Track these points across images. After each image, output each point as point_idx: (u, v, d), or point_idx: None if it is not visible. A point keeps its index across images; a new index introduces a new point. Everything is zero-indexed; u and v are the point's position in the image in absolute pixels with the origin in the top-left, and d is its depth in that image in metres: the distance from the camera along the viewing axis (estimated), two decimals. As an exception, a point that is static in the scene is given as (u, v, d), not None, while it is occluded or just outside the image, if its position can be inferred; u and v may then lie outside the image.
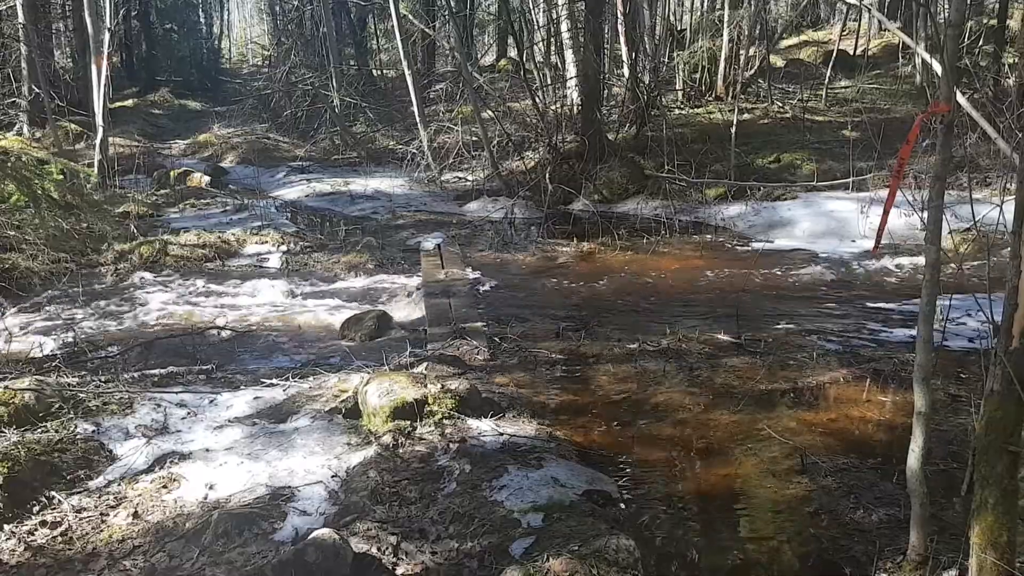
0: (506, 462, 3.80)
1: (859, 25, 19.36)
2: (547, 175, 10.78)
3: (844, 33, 19.35)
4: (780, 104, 14.95)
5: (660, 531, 3.41)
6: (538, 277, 8.04)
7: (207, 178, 13.63)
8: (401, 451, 3.98)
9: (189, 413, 4.55)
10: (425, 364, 5.13)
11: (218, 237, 9.33)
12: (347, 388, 4.68)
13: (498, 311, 6.86)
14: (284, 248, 9.22)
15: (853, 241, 9.23)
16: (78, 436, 4.21)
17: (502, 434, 4.09)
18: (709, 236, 9.77)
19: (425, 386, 4.35)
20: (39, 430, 4.21)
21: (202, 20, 30.84)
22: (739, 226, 10.08)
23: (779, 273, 8.03)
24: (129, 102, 23.72)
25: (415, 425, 4.19)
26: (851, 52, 18.66)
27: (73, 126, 17.69)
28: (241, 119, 19.44)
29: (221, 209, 11.32)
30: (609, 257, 8.82)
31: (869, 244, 9.11)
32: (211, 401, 4.72)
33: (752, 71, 15.55)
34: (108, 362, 5.80)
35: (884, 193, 10.14)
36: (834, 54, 16.73)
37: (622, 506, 3.57)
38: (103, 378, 5.17)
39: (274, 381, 4.92)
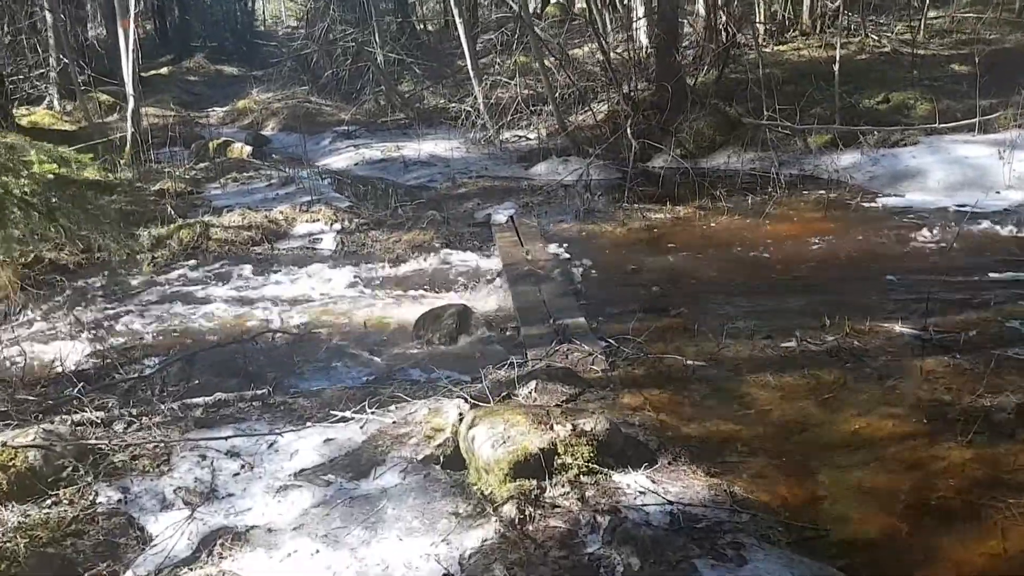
0: (689, 552, 2.68)
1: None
2: (629, 129, 9.46)
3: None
4: (876, 38, 13.32)
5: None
6: (633, 253, 6.82)
7: (248, 148, 12.58)
8: (531, 528, 2.89)
9: (243, 467, 3.51)
10: (534, 383, 4.01)
11: (265, 216, 8.29)
12: (442, 425, 3.59)
13: (599, 300, 5.69)
14: (338, 226, 8.14)
15: (998, 192, 7.83)
16: (99, 510, 3.21)
17: (669, 502, 2.96)
18: (822, 192, 8.42)
19: (551, 427, 3.23)
20: (48, 503, 3.21)
21: (234, -18, 29.69)
22: (857, 178, 8.70)
23: (926, 236, 6.70)
24: (164, 70, 22.83)
25: (543, 485, 3.08)
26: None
27: (105, 97, 16.79)
28: (280, 82, 18.33)
29: (266, 182, 10.26)
30: (712, 223, 7.56)
31: (1017, 196, 7.73)
32: (270, 445, 3.67)
33: (838, 2, 13.89)
34: (143, 382, 4.81)
35: (1017, 134, 8.72)
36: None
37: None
38: (134, 410, 4.17)
39: (347, 414, 3.84)
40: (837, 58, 10.28)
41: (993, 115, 9.24)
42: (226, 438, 3.67)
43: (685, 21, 13.21)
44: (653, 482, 3.11)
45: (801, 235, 6.92)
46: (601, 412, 3.53)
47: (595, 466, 3.14)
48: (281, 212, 8.37)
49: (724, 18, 12.23)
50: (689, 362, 4.40)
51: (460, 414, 3.60)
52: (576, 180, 9.42)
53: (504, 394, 3.99)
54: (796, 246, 6.64)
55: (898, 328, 4.66)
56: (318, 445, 3.61)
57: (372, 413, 3.80)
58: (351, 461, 3.46)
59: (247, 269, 7.09)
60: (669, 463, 3.30)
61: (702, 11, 12.85)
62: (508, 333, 5.22)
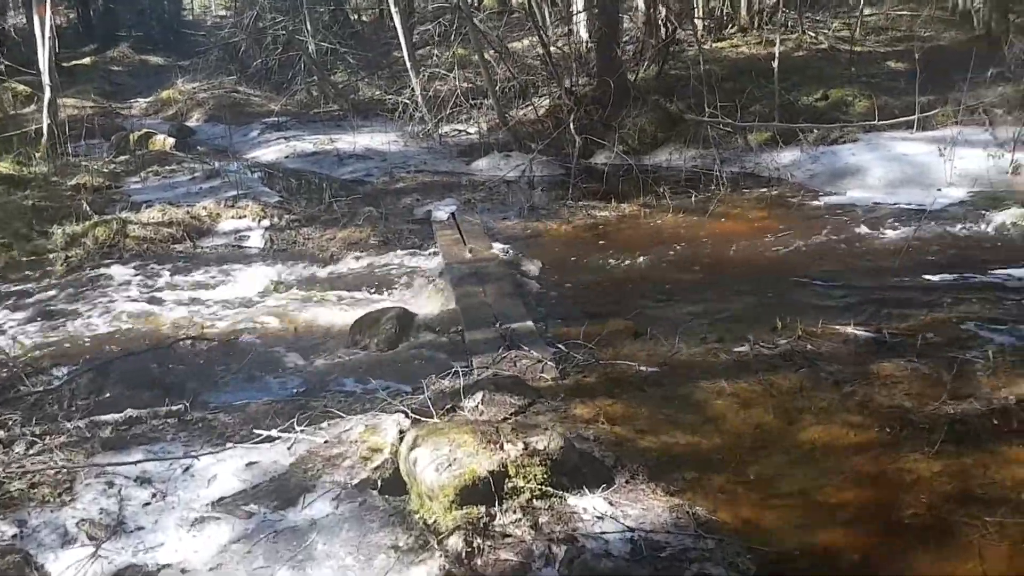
0: (654, 584, 2.44)
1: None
2: (572, 124, 9.23)
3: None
4: (813, 34, 13.39)
5: None
6: (580, 251, 6.60)
7: (171, 140, 11.95)
8: (479, 563, 2.61)
9: (155, 495, 3.15)
10: (481, 395, 3.74)
11: (187, 212, 7.81)
12: (381, 444, 3.28)
13: (546, 302, 5.45)
14: (267, 223, 7.72)
15: (939, 190, 7.83)
16: (-13, 549, 2.82)
17: (629, 528, 2.72)
18: (764, 189, 8.34)
19: (501, 447, 2.96)
20: (-73, 543, 2.81)
21: (160, -30, 28.55)
22: (797, 176, 8.65)
23: (868, 234, 6.64)
24: (87, 60, 21.80)
25: (493, 512, 2.81)
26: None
27: (22, 87, 15.90)
28: (207, 72, 17.57)
29: (189, 176, 9.73)
30: (657, 221, 7.39)
31: (958, 193, 7.75)
32: (186, 470, 3.31)
33: (776, -2, 13.93)
34: (50, 395, 4.38)
35: (957, 131, 8.78)
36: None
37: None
38: (38, 429, 3.77)
39: (273, 433, 3.50)
40: (776, 55, 10.23)
41: (931, 112, 9.29)
42: (136, 463, 3.30)
43: (625, 16, 13.07)
44: (611, 504, 2.87)
45: (746, 234, 6.78)
46: (554, 427, 3.27)
47: (549, 489, 2.88)
48: (205, 208, 7.91)
49: (664, 13, 12.12)
50: (642, 368, 4.18)
51: (400, 431, 3.31)
52: (519, 176, 9.18)
53: (448, 406, 3.71)
54: (742, 245, 6.49)
55: (851, 330, 4.52)
56: (239, 469, 3.27)
57: (301, 431, 3.47)
58: (277, 487, 3.13)
59: (167, 269, 6.68)
60: (627, 482, 3.06)
61: (642, 6, 12.73)
62: (452, 338, 4.93)
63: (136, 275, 6.54)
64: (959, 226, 6.66)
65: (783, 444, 3.46)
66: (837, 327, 4.57)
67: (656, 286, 5.68)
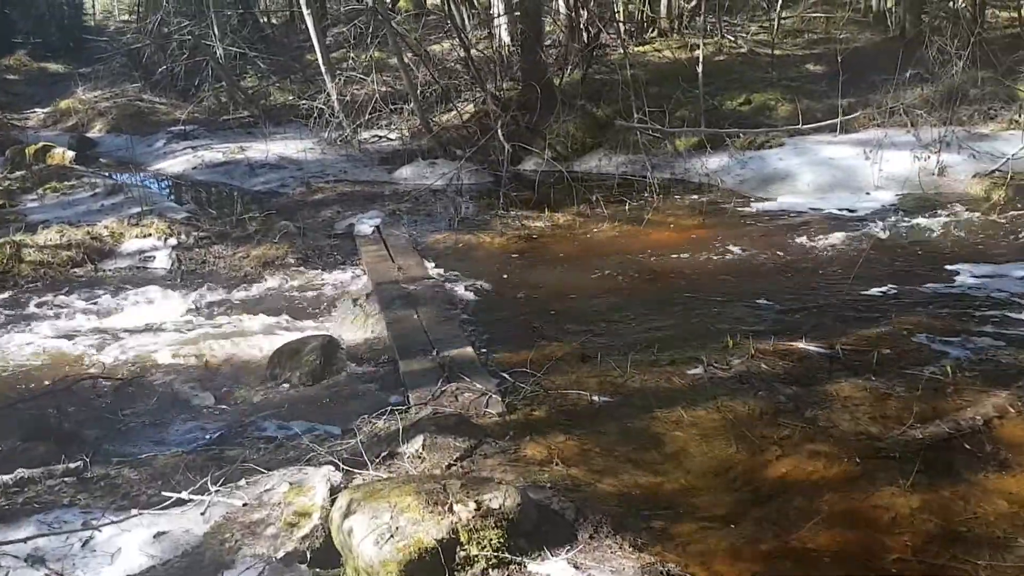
0: (635, 672, 2.13)
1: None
2: (500, 131, 8.91)
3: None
4: (732, 38, 13.42)
5: None
6: (517, 266, 6.29)
7: (71, 153, 11.17)
8: (432, 650, 2.26)
9: (46, 578, 2.68)
10: (421, 438, 3.38)
11: (87, 232, 7.19)
12: (308, 507, 2.88)
13: (486, 325, 5.09)
14: (173, 241, 7.16)
15: (867, 194, 7.86)
16: None
17: (601, 597, 2.41)
18: (695, 196, 8.20)
19: (450, 508, 2.61)
20: None
21: (60, -26, 27.05)
22: (727, 181, 8.55)
23: (805, 242, 6.53)
24: (-21, 69, 20.50)
25: (444, 586, 2.46)
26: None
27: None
28: (109, 80, 16.60)
29: (90, 192, 9.02)
30: (593, 231, 7.14)
31: (887, 196, 7.76)
32: (85, 544, 2.85)
33: (694, 1, 13.93)
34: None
35: (883, 133, 8.81)
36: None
37: None
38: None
39: (184, 495, 3.06)
40: (700, 60, 10.16)
41: (853, 115, 9.34)
42: (26, 540, 2.83)
43: (546, 19, 12.84)
44: (577, 568, 2.56)
45: (684, 244, 6.58)
46: (506, 477, 2.94)
47: (506, 555, 2.55)
48: (107, 227, 7.30)
49: (586, 16, 11.93)
50: (594, 398, 3.89)
51: (331, 489, 2.92)
52: (446, 184, 8.82)
53: (385, 453, 3.34)
54: (681, 257, 6.28)
55: (803, 346, 4.35)
56: (147, 541, 2.83)
57: (216, 492, 3.04)
58: (190, 563, 2.71)
59: (66, 296, 6.08)
60: (591, 538, 2.75)
61: (563, 9, 12.53)
62: (383, 369, 4.54)
63: (32, 304, 5.92)
64: (892, 231, 6.62)
65: (750, 481, 3.22)
66: (788, 343, 4.39)
67: (599, 303, 5.40)
